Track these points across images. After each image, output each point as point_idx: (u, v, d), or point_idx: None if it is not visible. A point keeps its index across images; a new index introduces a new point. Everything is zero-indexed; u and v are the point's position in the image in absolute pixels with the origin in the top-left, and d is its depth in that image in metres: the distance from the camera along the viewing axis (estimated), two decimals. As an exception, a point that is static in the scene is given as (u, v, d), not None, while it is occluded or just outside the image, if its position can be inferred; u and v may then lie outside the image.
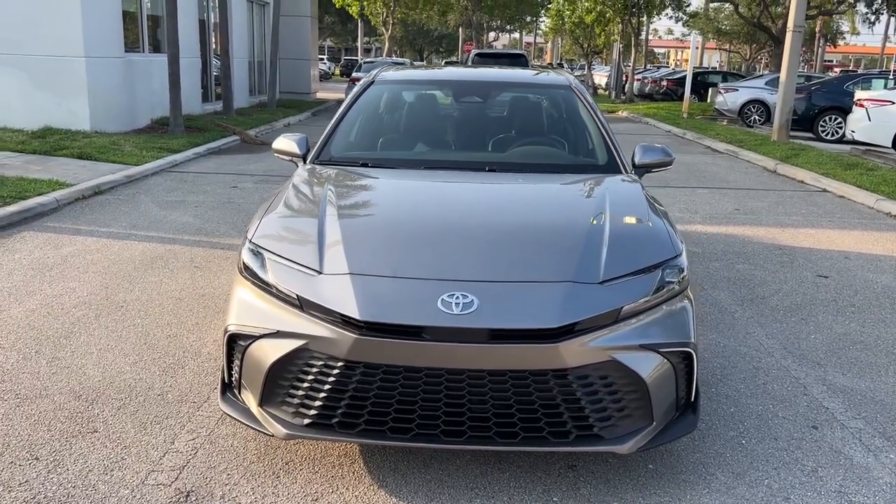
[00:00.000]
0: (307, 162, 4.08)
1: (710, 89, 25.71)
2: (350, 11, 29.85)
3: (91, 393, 3.52)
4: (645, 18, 32.22)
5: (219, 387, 3.17)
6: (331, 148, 4.18)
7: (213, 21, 18.22)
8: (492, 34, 59.59)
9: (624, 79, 32.08)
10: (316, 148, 4.16)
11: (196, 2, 16.68)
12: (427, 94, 4.89)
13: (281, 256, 2.91)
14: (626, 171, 4.01)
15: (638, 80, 32.95)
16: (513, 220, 3.30)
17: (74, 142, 10.89)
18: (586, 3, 30.65)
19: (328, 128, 4.32)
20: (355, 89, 4.63)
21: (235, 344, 2.86)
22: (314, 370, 2.66)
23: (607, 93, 35.32)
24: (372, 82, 4.67)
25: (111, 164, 9.58)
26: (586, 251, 2.90)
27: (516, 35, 70.69)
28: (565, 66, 51.79)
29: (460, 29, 43.12)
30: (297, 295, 2.74)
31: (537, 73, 5.36)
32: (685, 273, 3.00)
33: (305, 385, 2.67)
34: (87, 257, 5.71)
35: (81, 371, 3.75)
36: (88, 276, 5.26)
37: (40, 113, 11.96)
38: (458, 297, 2.63)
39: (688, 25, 37.86)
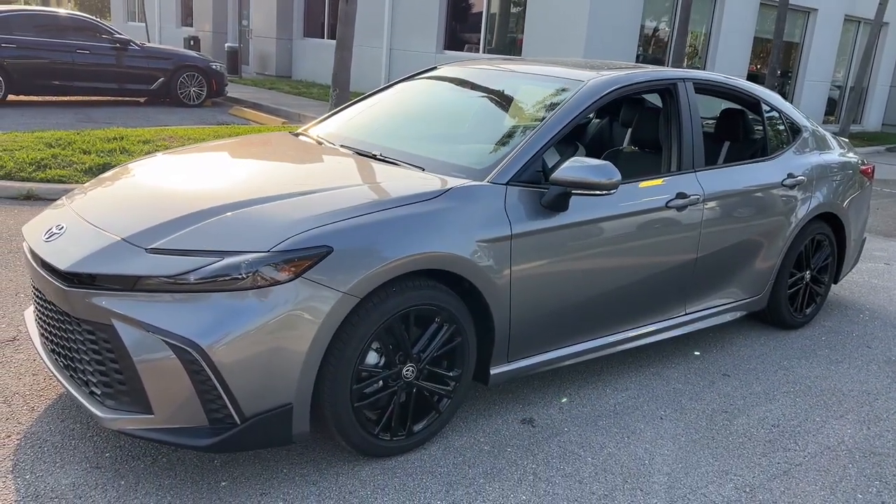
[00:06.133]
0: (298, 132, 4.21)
1: None
2: None
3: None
4: None
5: None
6: (324, 123, 4.23)
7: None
8: None
9: None
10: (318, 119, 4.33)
11: (755, 19, 16.06)
12: (449, 85, 4.32)
13: None
14: (495, 183, 3.07)
15: None
16: (229, 187, 3.01)
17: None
18: None
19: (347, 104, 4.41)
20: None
21: None
22: None
23: None
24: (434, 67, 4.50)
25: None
26: (188, 221, 2.67)
27: None
28: None
29: None
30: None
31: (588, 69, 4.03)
32: (260, 273, 2.46)
33: None
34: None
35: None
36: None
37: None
38: (57, 228, 2.82)
39: None
